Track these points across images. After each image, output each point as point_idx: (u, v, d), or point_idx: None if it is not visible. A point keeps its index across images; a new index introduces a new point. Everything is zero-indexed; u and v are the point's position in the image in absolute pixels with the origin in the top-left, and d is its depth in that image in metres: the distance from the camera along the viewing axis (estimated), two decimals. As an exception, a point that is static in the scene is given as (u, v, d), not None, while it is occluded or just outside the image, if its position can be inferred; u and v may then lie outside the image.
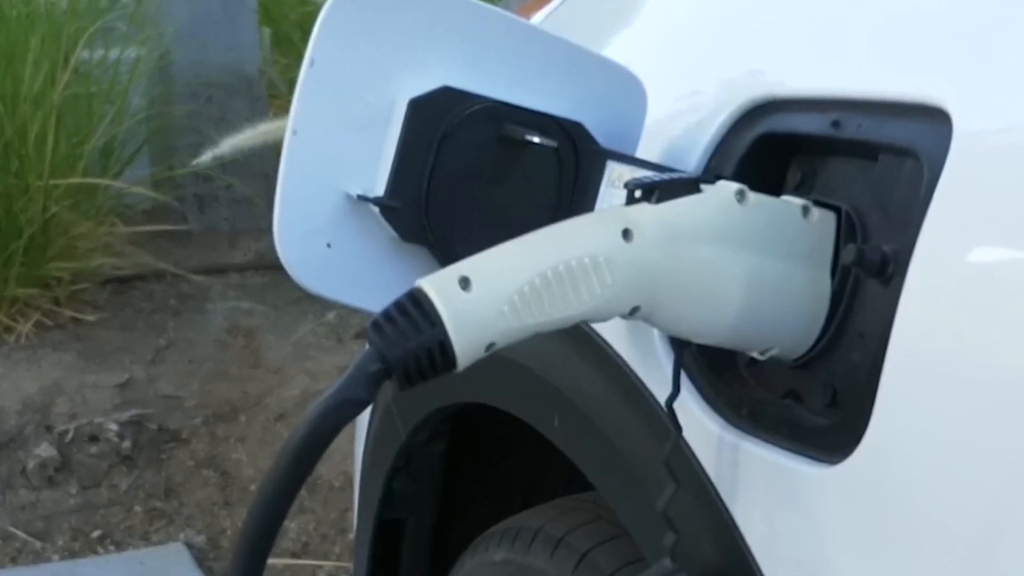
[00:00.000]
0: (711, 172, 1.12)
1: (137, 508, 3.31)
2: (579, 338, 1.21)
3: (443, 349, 0.96)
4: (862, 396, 0.97)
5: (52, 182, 3.63)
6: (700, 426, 1.09)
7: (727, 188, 1.03)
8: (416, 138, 1.07)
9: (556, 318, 0.99)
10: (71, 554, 3.17)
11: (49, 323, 3.69)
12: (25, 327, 3.61)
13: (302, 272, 1.08)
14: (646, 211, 1.01)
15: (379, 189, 1.08)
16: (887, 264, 0.96)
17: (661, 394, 1.10)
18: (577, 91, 1.12)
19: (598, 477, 1.23)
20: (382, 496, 1.67)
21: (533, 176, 1.10)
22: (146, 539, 3.24)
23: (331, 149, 1.07)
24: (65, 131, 3.71)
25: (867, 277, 0.98)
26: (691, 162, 1.13)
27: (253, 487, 3.33)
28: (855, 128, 1.02)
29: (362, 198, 1.07)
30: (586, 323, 1.02)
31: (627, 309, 1.00)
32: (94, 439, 3.34)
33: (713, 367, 1.11)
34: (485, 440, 1.66)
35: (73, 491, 3.31)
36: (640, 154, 1.15)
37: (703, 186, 1.03)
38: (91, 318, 3.75)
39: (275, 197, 1.08)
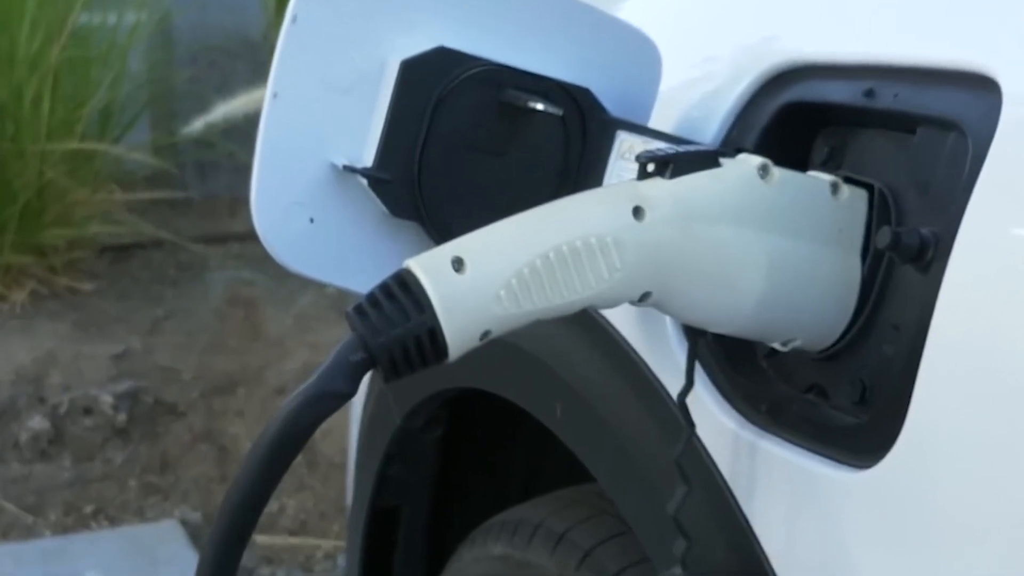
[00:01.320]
0: (731, 145, 1.04)
1: (132, 483, 3.27)
2: (584, 323, 1.13)
3: (433, 337, 0.89)
4: (895, 393, 0.89)
5: (48, 147, 3.59)
6: (715, 423, 1.01)
7: (749, 162, 0.95)
8: (408, 103, 1.00)
9: (558, 304, 0.91)
10: (63, 529, 3.13)
11: (44, 292, 3.65)
12: (19, 296, 3.58)
13: (282, 249, 1.00)
14: (659, 186, 0.93)
15: (367, 159, 1.00)
16: (926, 249, 0.88)
17: (673, 387, 1.03)
18: (585, 54, 1.04)
19: (603, 474, 1.14)
20: (376, 482, 1.62)
21: (536, 147, 1.03)
22: (140, 515, 3.20)
23: (315, 114, 1.00)
24: (62, 95, 3.66)
25: (903, 263, 0.90)
26: (708, 133, 1.06)
27: None
28: (891, 98, 0.95)
29: (348, 169, 1.00)
30: (592, 309, 0.93)
31: (637, 295, 0.93)
32: (88, 411, 3.31)
33: (730, 358, 1.03)
34: (484, 425, 1.60)
35: (66, 465, 3.27)
36: (653, 124, 1.07)
37: (722, 160, 0.95)
38: (87, 287, 3.71)
39: (252, 166, 0.99)
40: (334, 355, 0.90)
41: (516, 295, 0.89)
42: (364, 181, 1.00)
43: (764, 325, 0.96)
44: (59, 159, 3.65)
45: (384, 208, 1.01)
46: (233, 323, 3.63)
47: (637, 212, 0.91)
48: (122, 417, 3.33)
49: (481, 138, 1.02)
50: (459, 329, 0.89)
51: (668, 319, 1.05)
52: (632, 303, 0.94)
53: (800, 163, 1.01)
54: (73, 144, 3.65)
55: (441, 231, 1.01)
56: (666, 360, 1.06)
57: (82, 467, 3.27)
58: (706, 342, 1.01)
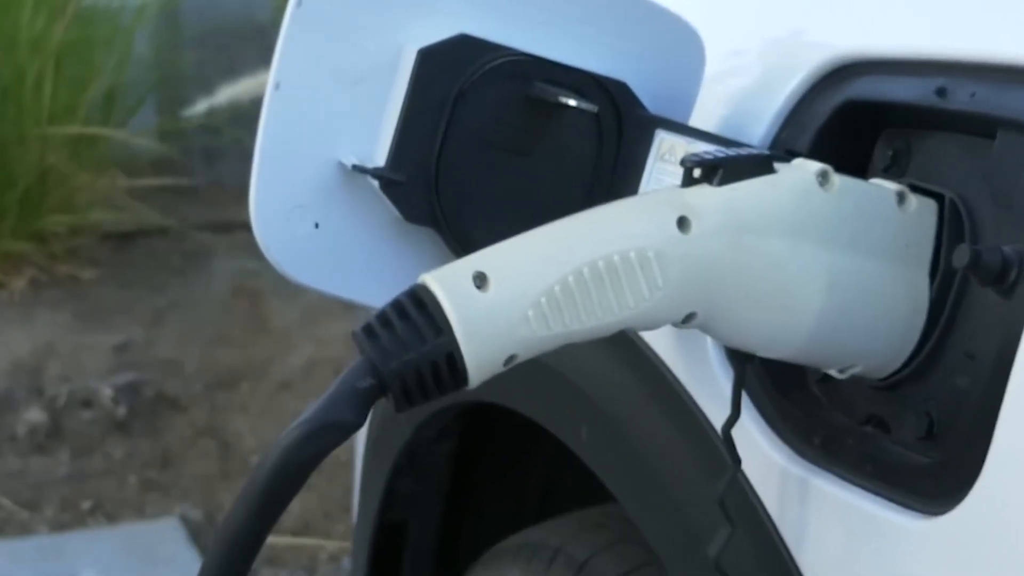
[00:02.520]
0: (780, 147, 0.96)
1: (131, 479, 3.21)
2: (616, 340, 1.03)
3: (451, 363, 0.81)
4: (971, 430, 0.82)
5: (50, 131, 3.55)
6: (761, 456, 0.94)
7: (806, 168, 0.87)
8: (425, 97, 0.93)
9: (592, 326, 0.83)
10: (60, 526, 3.07)
11: (44, 280, 3.62)
12: (19, 284, 3.55)
13: (283, 256, 0.93)
14: (707, 195, 0.85)
15: (379, 158, 0.93)
16: (1008, 270, 0.80)
17: (715, 415, 0.95)
18: (621, 44, 0.97)
19: (634, 507, 1.06)
20: (383, 495, 1.56)
21: (567, 147, 0.96)
22: (140, 512, 3.14)
23: (321, 108, 0.92)
24: (65, 78, 3.62)
25: (982, 285, 0.81)
26: (755, 134, 0.98)
27: (254, 459, 3.25)
28: (967, 97, 0.86)
29: (358, 169, 0.92)
30: (629, 331, 0.84)
31: (681, 315, 0.85)
32: (87, 404, 3.26)
33: (778, 384, 0.95)
34: (500, 437, 1.54)
35: (64, 459, 3.22)
36: (694, 122, 0.99)
37: (777, 165, 0.87)
38: (88, 275, 3.68)
39: (252, 165, 0.91)
40: (339, 381, 0.82)
41: (546, 316, 0.82)
42: (375, 183, 0.93)
43: (821, 350, 0.88)
44: (61, 143, 3.62)
45: (397, 213, 0.94)
46: (238, 315, 3.60)
47: (682, 223, 0.84)
48: (122, 410, 3.29)
49: (506, 136, 0.95)
50: (481, 353, 0.81)
51: (709, 340, 0.96)
52: (675, 325, 0.85)
53: (859, 169, 0.94)
54: (76, 128, 3.61)
55: (460, 239, 0.94)
56: (707, 385, 0.98)
57: (80, 462, 3.22)
58: (753, 367, 0.92)
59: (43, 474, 3.17)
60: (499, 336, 0.81)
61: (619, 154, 0.96)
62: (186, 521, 3.06)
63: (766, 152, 0.88)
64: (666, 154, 0.97)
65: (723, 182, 0.85)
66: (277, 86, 0.91)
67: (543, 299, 0.81)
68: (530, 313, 0.81)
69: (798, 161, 0.88)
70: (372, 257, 0.95)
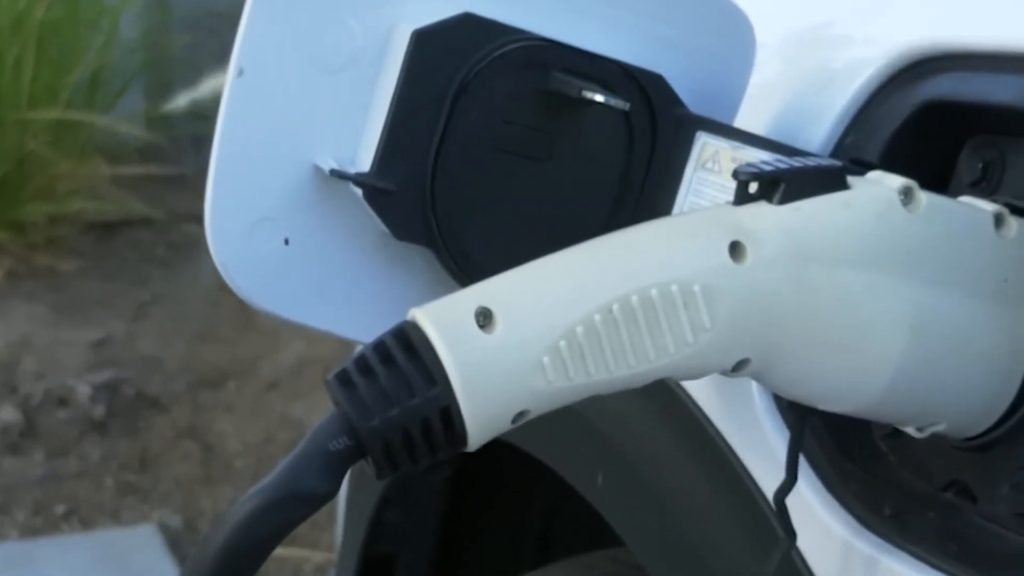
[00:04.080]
0: (843, 155, 0.82)
1: (108, 482, 3.16)
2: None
3: (447, 420, 0.67)
4: None
5: (30, 115, 3.51)
6: (821, 529, 0.79)
7: (887, 184, 0.72)
8: (420, 89, 0.79)
9: (622, 376, 0.69)
10: (31, 531, 3.04)
11: (21, 270, 3.59)
12: None
13: (245, 280, 0.79)
14: (766, 215, 0.70)
15: (363, 162, 0.79)
16: None
17: (764, 477, 0.82)
18: (657, 29, 0.83)
19: (656, 569, 0.90)
20: (369, 526, 1.47)
21: (590, 152, 0.82)
22: (116, 517, 3.10)
23: (294, 101, 0.79)
24: (47, 59, 3.57)
25: None
26: (813, 138, 0.84)
27: (238, 463, 3.22)
28: None
29: (338, 174, 0.79)
30: (668, 380, 0.69)
31: (731, 363, 0.70)
32: (64, 403, 3.23)
33: (840, 440, 0.81)
34: (500, 465, 1.42)
35: (38, 460, 3.17)
36: (740, 123, 0.85)
37: (851, 179, 0.72)
38: (69, 267, 3.66)
39: (209, 169, 0.78)
40: (308, 440, 0.67)
41: (565, 364, 0.67)
42: (358, 191, 0.79)
43: (900, 404, 0.74)
44: (42, 128, 3.57)
45: (384, 228, 0.80)
46: (225, 310, 3.53)
47: (735, 250, 0.69)
48: (100, 410, 3.24)
49: (517, 138, 0.81)
50: (484, 409, 0.67)
51: (755, 385, 0.81)
52: (723, 373, 0.70)
53: (938, 183, 0.80)
54: (57, 113, 3.57)
55: (460, 262, 0.81)
56: (756, 443, 0.84)
57: (55, 463, 3.17)
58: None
59: (15, 476, 3.13)
60: (507, 388, 0.67)
61: (652, 161, 0.83)
62: (164, 529, 3.01)
63: (837, 163, 0.72)
64: (708, 161, 0.83)
65: (785, 200, 0.70)
66: (240, 73, 0.77)
67: (562, 343, 0.67)
68: (546, 360, 0.67)
69: (875, 175, 0.73)
70: (353, 281, 0.81)
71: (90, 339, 3.38)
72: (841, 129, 0.83)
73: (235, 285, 0.78)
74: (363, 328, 0.78)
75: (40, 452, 3.16)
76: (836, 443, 0.80)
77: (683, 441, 0.89)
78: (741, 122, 0.85)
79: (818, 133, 0.84)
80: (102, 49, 3.73)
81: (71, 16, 3.63)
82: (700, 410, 0.87)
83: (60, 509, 3.05)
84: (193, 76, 3.73)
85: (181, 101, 3.28)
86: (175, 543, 2.96)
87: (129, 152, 3.91)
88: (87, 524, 3.05)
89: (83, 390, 3.24)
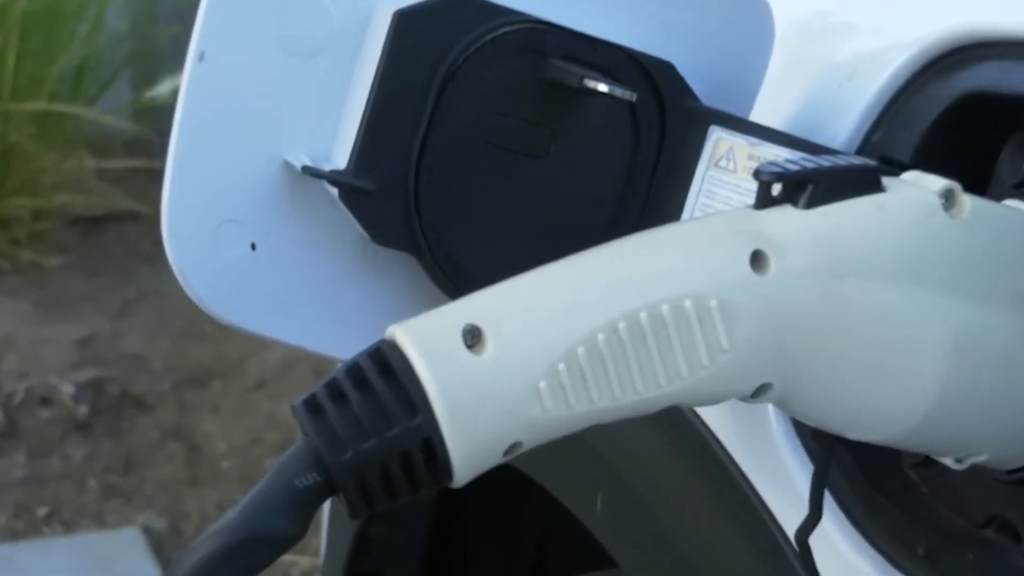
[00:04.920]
0: (871, 152, 0.76)
1: (92, 483, 3.13)
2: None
3: (430, 453, 0.60)
4: None
5: (13, 107, 3.48)
6: (848, 570, 0.73)
7: (926, 186, 0.65)
8: (403, 77, 0.73)
9: (628, 403, 0.61)
10: (12, 534, 3.01)
11: (5, 266, 3.55)
12: None
13: (208, 289, 0.72)
14: (792, 221, 0.63)
15: (339, 158, 0.73)
16: None
17: (785, 513, 0.75)
18: (667, 12, 0.78)
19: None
20: (353, 542, 1.44)
21: (592, 147, 0.76)
22: (99, 520, 3.07)
23: (261, 89, 0.72)
24: (30, 49, 3.53)
25: None
26: (837, 134, 0.78)
27: (224, 464, 3.19)
28: None
29: (311, 172, 0.72)
30: (681, 408, 0.63)
31: (751, 388, 0.63)
32: (46, 402, 3.19)
33: (867, 470, 0.74)
34: (493, 478, 1.33)
35: (19, 461, 3.14)
36: (757, 116, 0.79)
37: (886, 181, 0.65)
38: (53, 262, 3.62)
39: (166, 166, 0.72)
40: (271, 475, 0.60)
41: (564, 389, 0.60)
42: (333, 191, 0.73)
43: (939, 433, 0.66)
44: (26, 120, 3.54)
45: (363, 231, 0.74)
46: None
47: (757, 260, 0.62)
48: (84, 409, 3.19)
49: (511, 132, 0.75)
50: (472, 441, 0.60)
51: (772, 408, 0.74)
52: (742, 399, 0.63)
53: (977, 184, 0.73)
54: (42, 104, 3.53)
55: (447, 269, 0.75)
56: (775, 475, 0.77)
57: (37, 464, 3.14)
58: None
59: (-3, 477, 3.12)
60: (498, 417, 0.59)
61: (660, 158, 0.77)
62: (148, 532, 2.98)
63: (871, 162, 0.65)
64: (722, 159, 0.77)
65: (813, 203, 0.63)
66: (201, 57, 0.71)
67: (561, 366, 0.60)
68: (542, 385, 0.60)
69: (912, 175, 0.66)
70: (327, 291, 0.75)
71: (74, 337, 3.33)
72: (868, 124, 0.77)
73: (196, 295, 0.72)
74: (338, 343, 0.73)
75: (22, 453, 3.12)
76: (864, 474, 0.73)
77: (692, 466, 0.82)
78: (759, 115, 0.79)
79: (842, 129, 0.77)
80: (87, 39, 3.69)
81: (56, 5, 3.60)
82: (710, 432, 0.80)
83: (42, 511, 3.03)
84: (180, 67, 3.69)
85: (165, 87, 3.25)
86: (159, 546, 2.94)
87: (115, 145, 3.87)
88: (70, 527, 3.02)
89: (66, 389, 3.20)
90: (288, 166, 0.73)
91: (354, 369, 0.59)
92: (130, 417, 3.21)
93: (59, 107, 3.59)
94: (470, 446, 0.59)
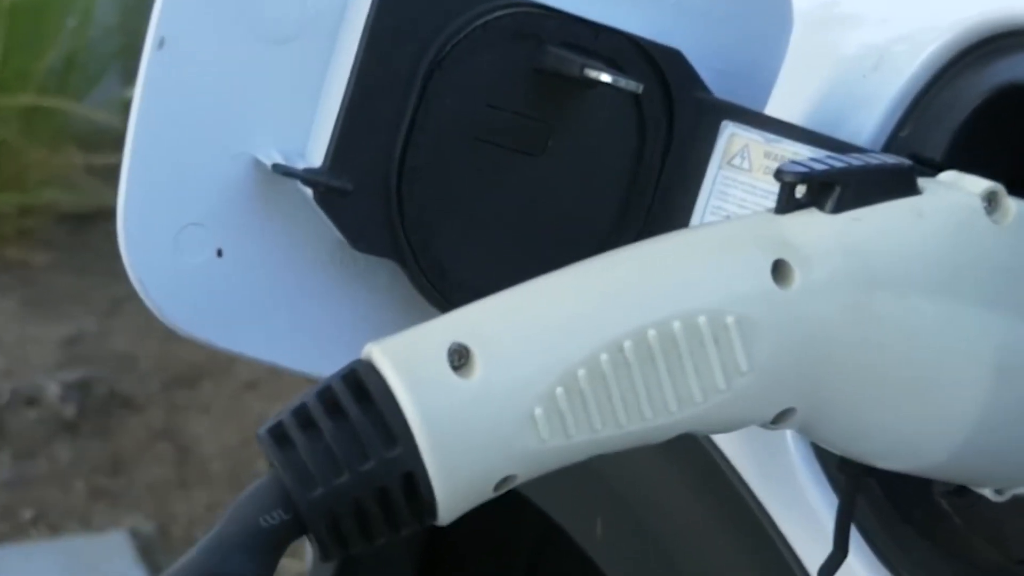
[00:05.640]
0: (898, 149, 0.71)
1: (78, 485, 3.11)
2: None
3: (411, 489, 0.54)
4: None
5: (0, 101, 3.48)
6: None
7: (967, 188, 0.60)
8: (385, 65, 0.67)
9: (634, 431, 0.56)
10: None
11: None
12: None
13: (168, 301, 0.67)
14: (818, 227, 0.58)
15: (314, 155, 0.68)
16: None
17: (806, 549, 0.69)
18: None
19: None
20: (340, 562, 1.33)
21: (593, 143, 0.71)
22: (86, 523, 3.05)
23: (228, 79, 0.66)
24: (17, 41, 3.52)
25: None
26: (860, 130, 0.72)
27: (214, 465, 3.17)
28: None
29: (282, 170, 0.66)
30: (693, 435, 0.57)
31: (772, 414, 0.57)
32: (33, 402, 3.17)
33: (896, 500, 0.69)
34: None
35: (5, 462, 3.10)
36: (773, 109, 0.73)
37: (922, 183, 0.60)
38: (40, 260, 3.58)
39: (122, 164, 0.65)
40: (233, 512, 0.55)
41: (563, 417, 0.54)
42: (308, 191, 0.67)
43: (978, 461, 0.61)
44: (12, 114, 3.51)
45: (340, 236, 0.68)
46: None
47: (779, 271, 0.57)
48: (70, 410, 3.18)
49: (504, 127, 0.69)
50: (459, 476, 0.54)
51: (795, 439, 0.69)
52: (762, 425, 0.58)
53: (1016, 185, 0.67)
54: (29, 99, 3.51)
55: (433, 278, 0.68)
56: (794, 505, 0.71)
57: (23, 465, 3.11)
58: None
59: (-19, 479, 3.11)
60: (488, 449, 0.54)
61: (668, 155, 0.71)
62: (136, 535, 2.96)
63: (906, 162, 0.59)
64: (736, 157, 0.71)
65: (842, 207, 0.57)
66: (161, 44, 0.65)
67: (559, 390, 0.54)
68: (538, 412, 0.54)
69: (949, 176, 0.61)
70: (301, 302, 0.69)
71: (61, 335, 3.32)
72: (895, 119, 0.71)
73: (155, 306, 0.66)
74: (313, 360, 0.67)
75: (7, 454, 3.10)
76: (892, 504, 0.68)
77: (701, 491, 0.77)
78: (775, 108, 0.73)
79: (866, 123, 0.72)
80: (77, 32, 3.65)
81: (43, -1, 3.58)
82: (721, 453, 0.75)
83: (27, 514, 3.01)
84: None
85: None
86: (146, 551, 2.92)
87: (105, 140, 3.75)
88: (56, 530, 3.01)
89: (53, 389, 3.18)
90: (258, 164, 0.67)
91: (326, 393, 0.53)
92: (118, 418, 3.20)
93: (47, 101, 3.56)
94: (457, 481, 0.53)
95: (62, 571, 2.87)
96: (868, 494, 0.68)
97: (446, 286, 0.66)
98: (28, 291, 3.48)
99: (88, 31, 3.69)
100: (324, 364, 0.62)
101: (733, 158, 0.70)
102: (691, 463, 0.77)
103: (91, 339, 3.33)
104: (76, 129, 3.73)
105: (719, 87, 0.72)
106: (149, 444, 3.14)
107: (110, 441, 3.15)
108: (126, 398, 3.21)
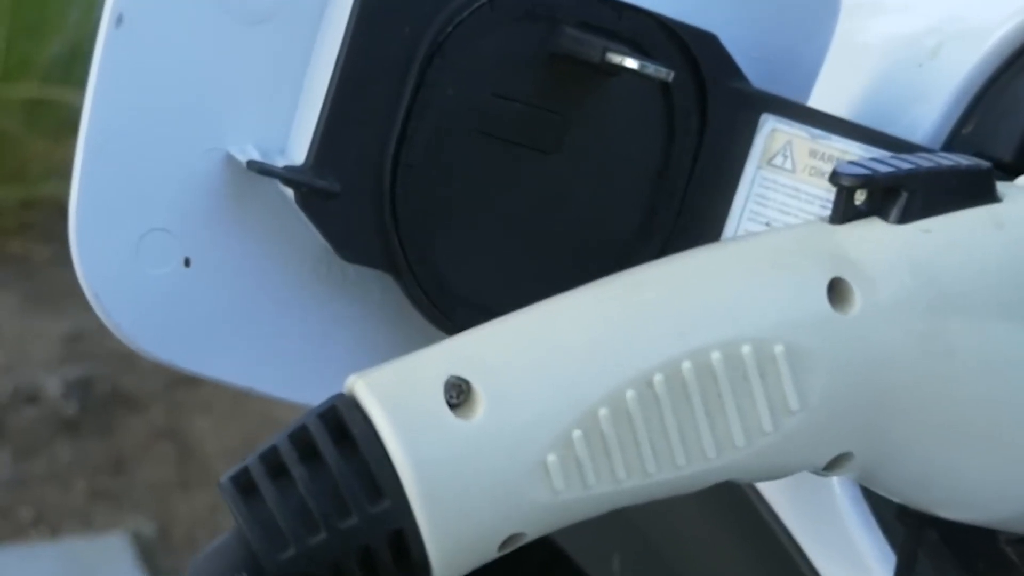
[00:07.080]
0: (961, 147, 0.65)
1: (79, 485, 3.08)
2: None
3: (400, 548, 0.47)
4: None
5: (2, 91, 3.42)
6: None
7: None
8: (377, 50, 0.61)
9: (666, 480, 0.48)
10: None
11: None
12: None
13: (127, 317, 0.60)
14: (882, 240, 0.50)
15: (296, 152, 0.61)
16: None
17: None
18: None
19: None
20: None
21: (615, 139, 0.65)
22: (86, 523, 3.03)
23: (197, 63, 0.60)
24: (20, 30, 3.50)
25: None
26: (915, 127, 0.66)
27: (217, 465, 3.21)
28: None
29: (259, 168, 0.60)
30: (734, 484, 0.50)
31: (826, 459, 0.50)
32: (33, 400, 3.15)
33: (957, 548, 0.62)
34: None
35: (5, 461, 3.07)
36: (815, 102, 0.67)
37: (1001, 188, 0.53)
38: (42, 254, 3.52)
39: (75, 159, 0.60)
40: (188, 573, 0.47)
41: (580, 465, 0.47)
42: (289, 192, 0.61)
43: None
44: (15, 105, 3.48)
45: (325, 244, 0.61)
46: None
47: (837, 292, 0.49)
48: (72, 408, 3.15)
49: (513, 120, 0.63)
50: (456, 535, 0.47)
51: (844, 486, 0.63)
52: (815, 472, 0.51)
53: None
54: (32, 89, 3.46)
55: (431, 291, 0.62)
56: (831, 541, 0.65)
57: (23, 465, 3.09)
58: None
59: (-21, 479, 3.10)
60: (491, 502, 0.46)
61: (700, 153, 0.65)
62: (137, 537, 2.93)
63: (984, 164, 0.52)
64: (777, 155, 0.64)
65: (909, 216, 0.50)
66: (119, 21, 0.59)
67: (576, 433, 0.46)
68: (551, 459, 0.46)
69: None
70: (280, 320, 0.62)
71: (63, 332, 3.30)
72: (957, 114, 0.65)
73: (113, 324, 0.59)
74: (294, 386, 0.60)
75: (6, 453, 3.07)
76: (952, 551, 0.60)
77: (732, 531, 0.70)
78: (819, 101, 0.67)
79: (923, 119, 0.65)
80: (81, 20, 3.54)
81: (46, -15, 3.57)
82: (755, 491, 0.67)
83: (28, 514, 2.99)
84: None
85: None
86: (147, 553, 2.90)
87: (111, 132, 3.93)
88: (56, 531, 2.99)
89: (54, 387, 3.17)
90: (231, 161, 0.60)
91: (300, 434, 0.46)
92: (120, 416, 3.18)
93: (50, 92, 3.51)
94: (454, 540, 0.46)
95: (61, 574, 2.89)
96: (930, 544, 0.61)
97: (446, 302, 0.60)
98: (29, 285, 3.48)
99: (92, 21, 3.71)
100: (306, 391, 0.56)
101: (774, 157, 0.64)
102: (721, 499, 0.69)
103: (93, 336, 3.23)
104: (79, 120, 3.79)
105: (757, 76, 0.65)
106: (151, 443, 3.13)
107: (111, 440, 3.14)
108: (128, 396, 3.20)
